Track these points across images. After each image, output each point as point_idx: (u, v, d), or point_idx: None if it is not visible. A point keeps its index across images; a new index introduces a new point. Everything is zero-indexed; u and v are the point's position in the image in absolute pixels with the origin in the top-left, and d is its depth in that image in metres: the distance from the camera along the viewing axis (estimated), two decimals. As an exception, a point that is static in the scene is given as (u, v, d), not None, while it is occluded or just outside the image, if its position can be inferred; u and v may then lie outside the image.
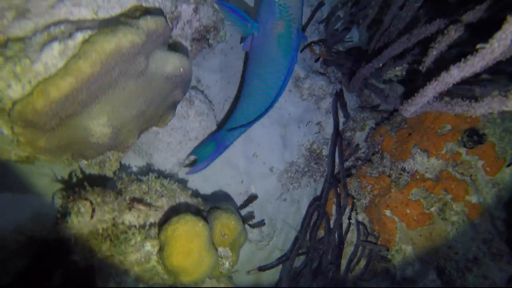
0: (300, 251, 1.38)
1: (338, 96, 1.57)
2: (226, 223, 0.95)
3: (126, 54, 0.69)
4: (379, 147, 1.46)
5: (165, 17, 0.88)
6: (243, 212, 1.42)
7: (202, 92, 1.46)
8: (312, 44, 1.64)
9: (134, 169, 1.24)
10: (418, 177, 1.24)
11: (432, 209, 1.16)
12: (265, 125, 1.51)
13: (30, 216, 1.03)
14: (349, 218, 1.38)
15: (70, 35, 0.65)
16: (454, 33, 0.73)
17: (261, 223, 1.39)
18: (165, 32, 0.79)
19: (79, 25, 0.69)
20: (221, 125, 1.43)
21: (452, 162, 1.15)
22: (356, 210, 1.40)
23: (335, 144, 1.49)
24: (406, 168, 1.29)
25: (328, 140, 1.59)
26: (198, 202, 1.09)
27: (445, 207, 1.13)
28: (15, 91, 0.61)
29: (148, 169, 1.28)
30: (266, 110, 1.21)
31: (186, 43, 1.11)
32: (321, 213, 1.35)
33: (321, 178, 1.58)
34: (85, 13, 0.73)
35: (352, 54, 1.48)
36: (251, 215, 1.38)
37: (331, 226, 1.35)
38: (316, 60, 1.61)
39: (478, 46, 0.61)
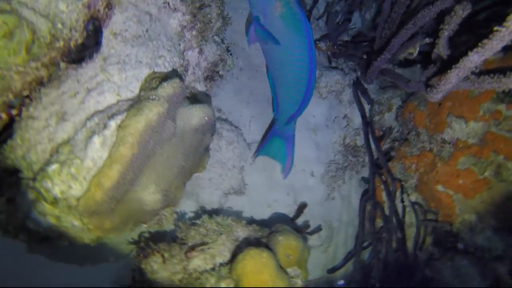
0: (364, 245, 1.37)
1: (357, 85, 1.55)
2: (287, 244, 0.97)
3: (156, 126, 0.73)
4: (412, 123, 1.42)
5: (178, 74, 0.92)
6: (298, 222, 1.43)
7: (226, 120, 1.49)
8: (317, 42, 1.63)
9: (188, 213, 1.30)
10: (461, 145, 1.19)
11: (486, 173, 1.12)
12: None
13: (112, 282, 1.12)
14: (402, 201, 1.36)
15: (105, 126, 0.71)
16: (462, 12, 0.70)
17: (318, 229, 1.40)
18: (183, 91, 0.82)
19: (109, 112, 0.75)
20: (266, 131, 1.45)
21: (494, 121, 1.10)
22: (406, 192, 1.37)
23: (367, 133, 1.47)
24: (446, 139, 1.25)
25: (359, 130, 1.57)
26: (255, 229, 1.12)
27: (500, 168, 1.08)
28: (76, 190, 0.68)
29: (198, 208, 1.33)
30: (308, 88, 1.16)
31: (201, 85, 1.15)
32: (373, 204, 1.34)
33: (362, 168, 1.57)
34: (109, 98, 0.79)
35: (359, 42, 1.45)
36: (306, 224, 1.39)
37: (387, 213, 1.33)
38: (330, 61, 1.59)
39: (496, 28, 0.58)
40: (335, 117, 1.57)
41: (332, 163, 1.53)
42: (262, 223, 1.37)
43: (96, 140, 0.70)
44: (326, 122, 1.57)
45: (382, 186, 1.39)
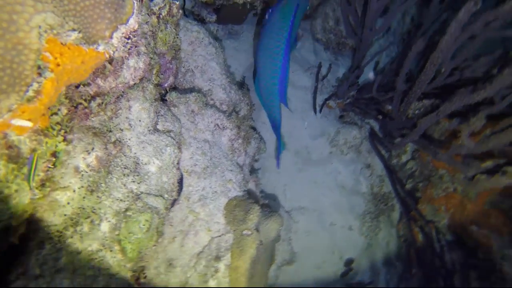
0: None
1: (373, 137, 1.75)
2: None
3: (256, 256, 0.88)
4: (432, 165, 1.62)
5: (249, 193, 1.08)
6: (349, 279, 1.60)
7: (265, 195, 1.65)
8: (327, 102, 1.83)
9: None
10: (484, 185, 1.40)
11: (513, 210, 1.32)
12: (326, 194, 1.70)
13: None
14: (439, 241, 1.54)
15: (216, 270, 0.85)
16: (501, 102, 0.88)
17: (371, 283, 1.56)
18: (261, 213, 0.98)
19: (212, 253, 0.89)
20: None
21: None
22: (442, 232, 1.56)
23: (393, 181, 1.67)
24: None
25: (383, 176, 1.77)
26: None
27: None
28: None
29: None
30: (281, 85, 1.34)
31: (251, 183, 1.31)
32: (416, 250, 1.52)
33: (392, 212, 1.76)
34: (204, 236, 0.94)
35: (369, 99, 1.66)
36: (360, 284, 1.55)
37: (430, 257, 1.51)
38: (341, 117, 1.79)
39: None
40: (361, 168, 1.76)
41: (366, 213, 1.71)
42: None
43: (212, 282, 0.84)
44: (352, 176, 1.75)
45: (418, 229, 1.58)
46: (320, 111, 1.82)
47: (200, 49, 1.26)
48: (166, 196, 0.83)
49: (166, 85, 1.06)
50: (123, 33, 0.54)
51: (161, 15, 0.85)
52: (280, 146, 1.51)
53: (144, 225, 0.72)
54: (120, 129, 0.80)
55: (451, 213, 1.52)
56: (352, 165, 1.76)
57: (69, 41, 0.45)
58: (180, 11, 0.91)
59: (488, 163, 1.10)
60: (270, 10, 1.40)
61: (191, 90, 1.17)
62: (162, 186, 0.83)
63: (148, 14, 0.80)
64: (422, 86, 1.08)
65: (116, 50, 0.55)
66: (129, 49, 0.59)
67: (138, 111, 0.83)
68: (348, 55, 2.04)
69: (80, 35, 0.46)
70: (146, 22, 0.79)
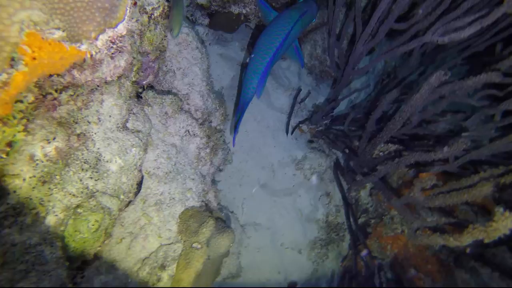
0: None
1: (337, 167, 1.81)
2: None
3: (202, 270, 0.89)
4: (385, 205, 1.70)
5: (205, 206, 1.08)
6: (289, 300, 1.63)
7: (221, 208, 1.65)
8: (300, 125, 1.87)
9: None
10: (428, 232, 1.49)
11: (450, 258, 1.42)
12: (283, 215, 1.73)
13: None
14: (380, 278, 1.61)
15: (159, 279, 0.85)
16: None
17: (308, 308, 1.60)
18: (213, 223, 0.99)
19: (158, 261, 0.89)
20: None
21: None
22: (383, 270, 1.63)
23: (348, 214, 1.73)
24: (415, 225, 1.53)
25: (339, 207, 1.82)
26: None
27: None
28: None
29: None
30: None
31: (211, 193, 1.31)
32: (358, 284, 1.58)
33: (341, 243, 1.82)
34: (153, 241, 0.93)
35: (340, 131, 1.72)
36: (299, 305, 1.59)
37: (368, 291, 1.57)
38: (310, 142, 1.84)
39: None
40: (320, 196, 1.81)
41: (317, 240, 1.76)
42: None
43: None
44: (311, 201, 1.80)
45: (362, 263, 1.64)
46: (292, 133, 1.86)
47: (186, 51, 1.25)
48: (122, 197, 0.82)
49: (144, 82, 1.04)
50: (109, 37, 0.54)
51: (152, 15, 0.85)
52: (238, 125, 1.44)
53: (93, 225, 0.71)
54: (88, 121, 0.78)
55: (395, 253, 1.60)
56: (313, 191, 1.81)
57: (51, 38, 0.44)
58: (173, 15, 0.91)
59: (434, 218, 1.18)
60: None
61: (169, 91, 1.16)
62: (120, 186, 0.82)
63: (139, 12, 0.79)
64: (389, 134, 1.15)
65: (99, 51, 0.54)
66: (112, 53, 0.58)
67: (110, 106, 0.82)
68: (328, 83, 2.10)
69: (64, 34, 0.45)
70: (136, 21, 0.78)
